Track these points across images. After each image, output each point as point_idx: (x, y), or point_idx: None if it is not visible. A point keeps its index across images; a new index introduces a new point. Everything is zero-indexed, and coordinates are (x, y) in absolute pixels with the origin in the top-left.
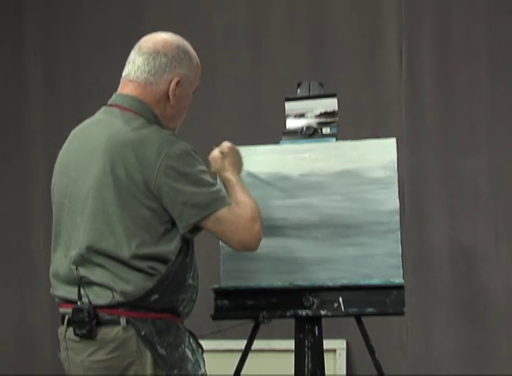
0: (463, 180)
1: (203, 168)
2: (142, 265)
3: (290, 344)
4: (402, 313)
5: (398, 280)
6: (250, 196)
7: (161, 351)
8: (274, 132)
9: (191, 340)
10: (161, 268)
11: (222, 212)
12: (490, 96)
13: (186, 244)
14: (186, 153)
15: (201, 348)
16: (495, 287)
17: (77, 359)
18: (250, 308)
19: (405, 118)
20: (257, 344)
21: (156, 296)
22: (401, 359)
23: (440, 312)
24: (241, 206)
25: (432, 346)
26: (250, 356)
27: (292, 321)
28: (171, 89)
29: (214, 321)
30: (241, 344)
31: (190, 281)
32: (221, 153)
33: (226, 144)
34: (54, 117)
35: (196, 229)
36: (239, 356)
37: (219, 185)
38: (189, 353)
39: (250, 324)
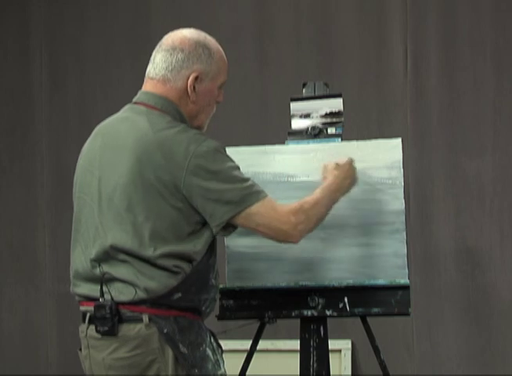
0: (468, 180)
1: (234, 164)
2: (167, 263)
3: (296, 344)
4: (407, 314)
5: (403, 280)
6: (318, 198)
7: (183, 349)
8: (279, 132)
9: (212, 339)
10: (186, 267)
11: (255, 207)
12: (496, 96)
13: (211, 245)
14: (214, 151)
15: (221, 348)
16: (500, 287)
17: (99, 357)
18: (256, 308)
19: (411, 118)
20: (262, 344)
21: (179, 295)
22: (406, 359)
23: (445, 312)
24: (292, 203)
25: (437, 346)
26: (255, 356)
27: (297, 321)
28: (189, 85)
29: (219, 321)
30: (246, 344)
31: (213, 281)
32: (336, 164)
33: (346, 159)
34: (60, 117)
35: (228, 226)
36: (244, 356)
37: (252, 180)
38: (209, 353)
39: (256, 324)
